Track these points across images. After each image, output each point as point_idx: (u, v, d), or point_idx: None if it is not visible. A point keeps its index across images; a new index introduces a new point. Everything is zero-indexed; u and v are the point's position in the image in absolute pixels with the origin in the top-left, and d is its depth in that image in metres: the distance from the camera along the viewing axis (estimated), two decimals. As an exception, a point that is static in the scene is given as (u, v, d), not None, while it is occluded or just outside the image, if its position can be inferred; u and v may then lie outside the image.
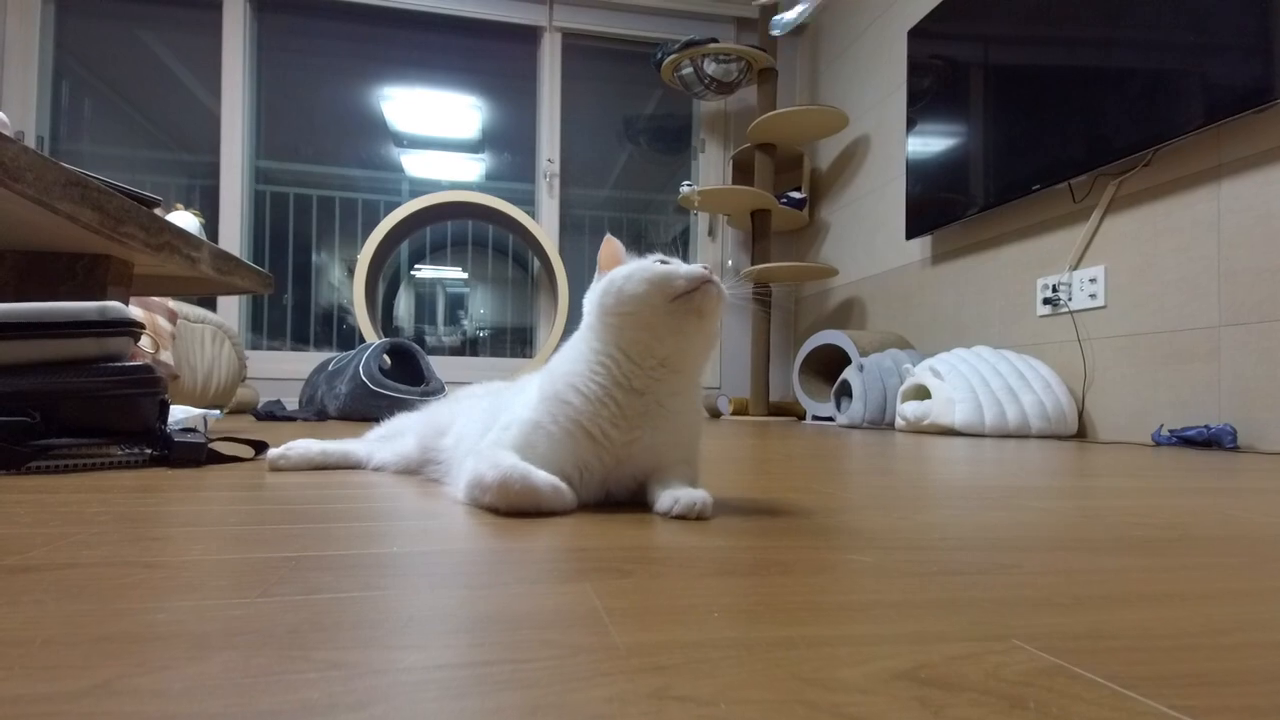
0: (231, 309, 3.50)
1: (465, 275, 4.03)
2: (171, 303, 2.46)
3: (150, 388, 0.89)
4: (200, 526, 0.49)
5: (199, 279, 1.67)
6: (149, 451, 0.89)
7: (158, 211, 1.57)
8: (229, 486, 0.70)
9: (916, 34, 2.74)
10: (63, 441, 0.84)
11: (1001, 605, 0.32)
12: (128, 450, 0.90)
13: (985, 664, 0.25)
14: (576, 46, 3.76)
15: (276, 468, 0.78)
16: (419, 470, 0.81)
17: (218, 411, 1.22)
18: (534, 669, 0.24)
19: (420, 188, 3.80)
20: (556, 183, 3.72)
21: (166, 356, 2.33)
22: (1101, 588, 0.36)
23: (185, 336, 2.53)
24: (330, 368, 2.70)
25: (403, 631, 0.27)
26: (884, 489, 0.76)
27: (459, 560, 0.40)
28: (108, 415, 0.88)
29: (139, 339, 0.98)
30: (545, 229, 3.52)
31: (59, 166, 1.03)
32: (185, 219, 1.58)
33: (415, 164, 3.95)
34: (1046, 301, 2.21)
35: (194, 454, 0.87)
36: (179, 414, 1.18)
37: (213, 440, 0.98)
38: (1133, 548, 0.47)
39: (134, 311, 2.22)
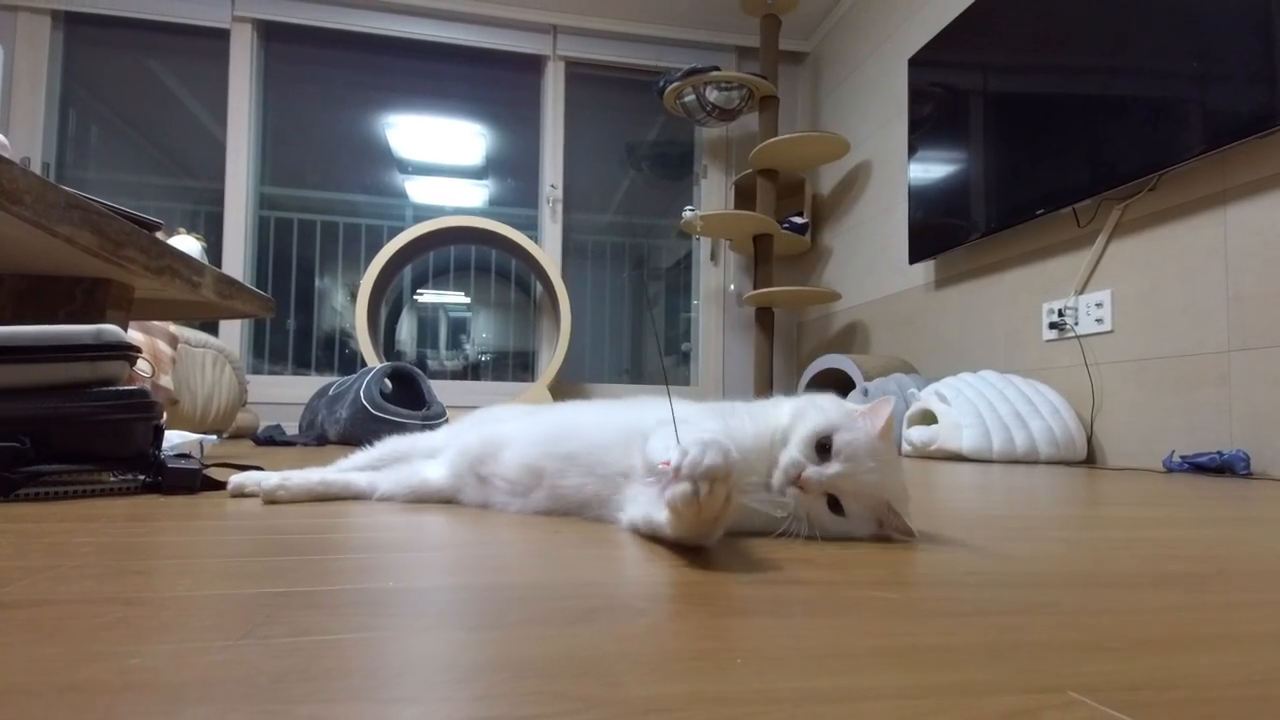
0: (234, 333, 3.49)
1: (468, 300, 4.03)
2: (173, 327, 2.45)
3: (144, 412, 0.87)
4: (188, 559, 0.47)
5: (200, 303, 1.66)
6: (142, 478, 0.87)
7: (160, 235, 1.56)
8: (222, 515, 0.68)
9: (917, 61, 2.76)
10: (53, 468, 0.82)
11: (1048, 650, 0.30)
12: (121, 477, 0.88)
13: (1044, 722, 0.22)
14: (580, 75, 3.80)
15: (274, 499, 0.75)
16: (453, 497, 0.76)
17: (214, 437, 1.20)
18: (543, 727, 0.21)
19: (424, 213, 3.81)
20: (560, 208, 3.74)
21: (166, 381, 2.31)
22: (1150, 629, 0.34)
23: (186, 361, 2.52)
24: (331, 392, 2.68)
25: (397, 681, 0.25)
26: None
27: (459, 598, 0.38)
28: (101, 441, 0.86)
29: (135, 363, 0.96)
30: (548, 254, 3.52)
31: (59, 189, 1.02)
32: (187, 243, 1.58)
33: (419, 190, 3.97)
34: (1052, 326, 2.19)
35: (188, 481, 0.85)
36: (175, 439, 1.16)
37: (208, 466, 0.96)
38: (1172, 583, 0.45)
39: (134, 336, 2.20)
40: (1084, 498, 1.02)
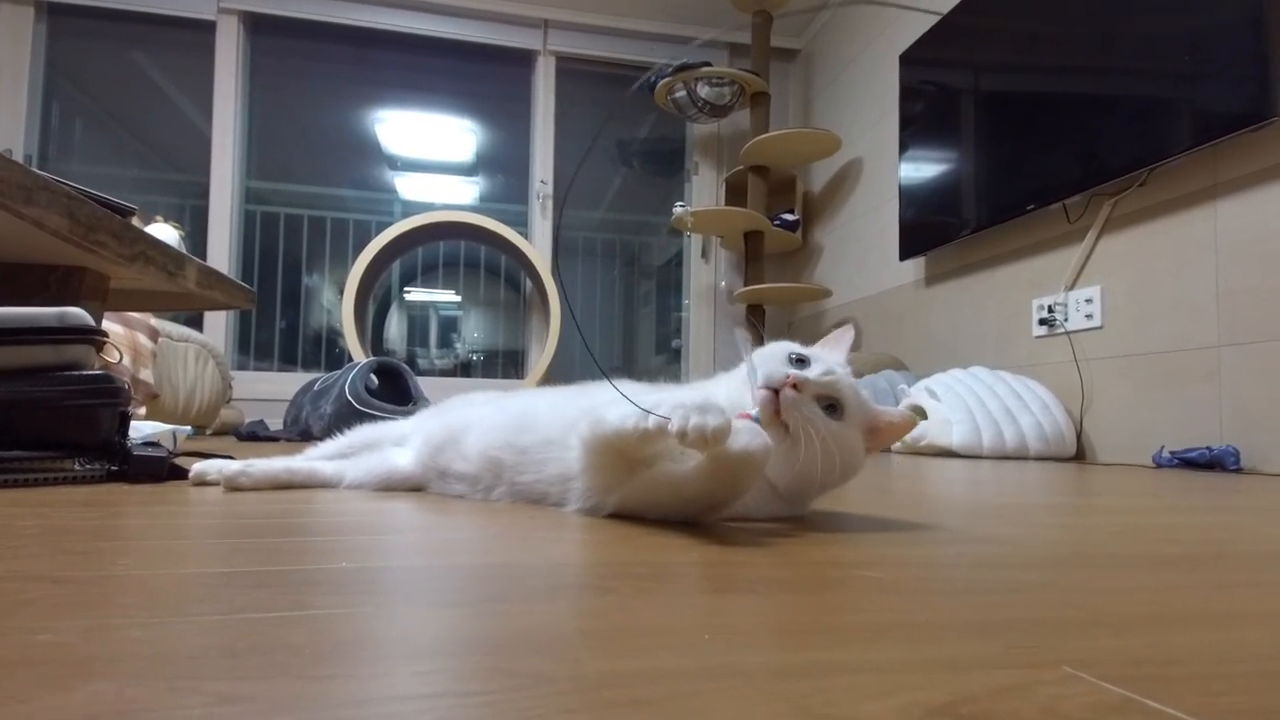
0: (219, 329, 3.45)
1: (459, 298, 4.00)
2: (153, 320, 2.41)
3: (110, 398, 0.84)
4: (133, 540, 0.44)
5: (179, 294, 1.62)
6: (109, 467, 0.84)
7: (137, 223, 1.53)
8: (182, 502, 0.65)
9: (908, 58, 2.75)
10: (14, 455, 0.79)
11: (1042, 627, 0.28)
12: (87, 465, 0.85)
13: (1039, 697, 0.20)
14: (570, 70, 3.77)
15: (236, 486, 0.72)
16: (423, 485, 0.74)
17: (188, 428, 1.17)
18: (480, 704, 0.19)
19: (413, 210, 3.77)
20: (549, 203, 3.71)
21: (147, 375, 2.27)
22: (1150, 607, 0.32)
23: (167, 355, 2.47)
24: (316, 387, 2.64)
25: (326, 658, 0.23)
26: (888, 506, 0.71)
27: (418, 577, 0.35)
28: (64, 427, 0.83)
29: (102, 347, 0.93)
30: (538, 250, 3.49)
31: (26, 170, 0.99)
32: (165, 231, 1.54)
33: (409, 186, 3.94)
34: (1042, 322, 2.18)
35: (154, 469, 0.82)
36: (147, 429, 1.13)
37: (178, 455, 0.93)
38: (1171, 564, 0.43)
39: (113, 329, 2.16)
40: (1075, 489, 1.01)
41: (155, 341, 2.35)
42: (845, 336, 0.59)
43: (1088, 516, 0.67)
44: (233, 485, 0.73)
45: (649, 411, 0.47)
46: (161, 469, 0.82)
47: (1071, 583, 0.37)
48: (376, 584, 0.33)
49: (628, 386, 0.57)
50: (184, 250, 1.62)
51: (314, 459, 0.82)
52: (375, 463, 0.76)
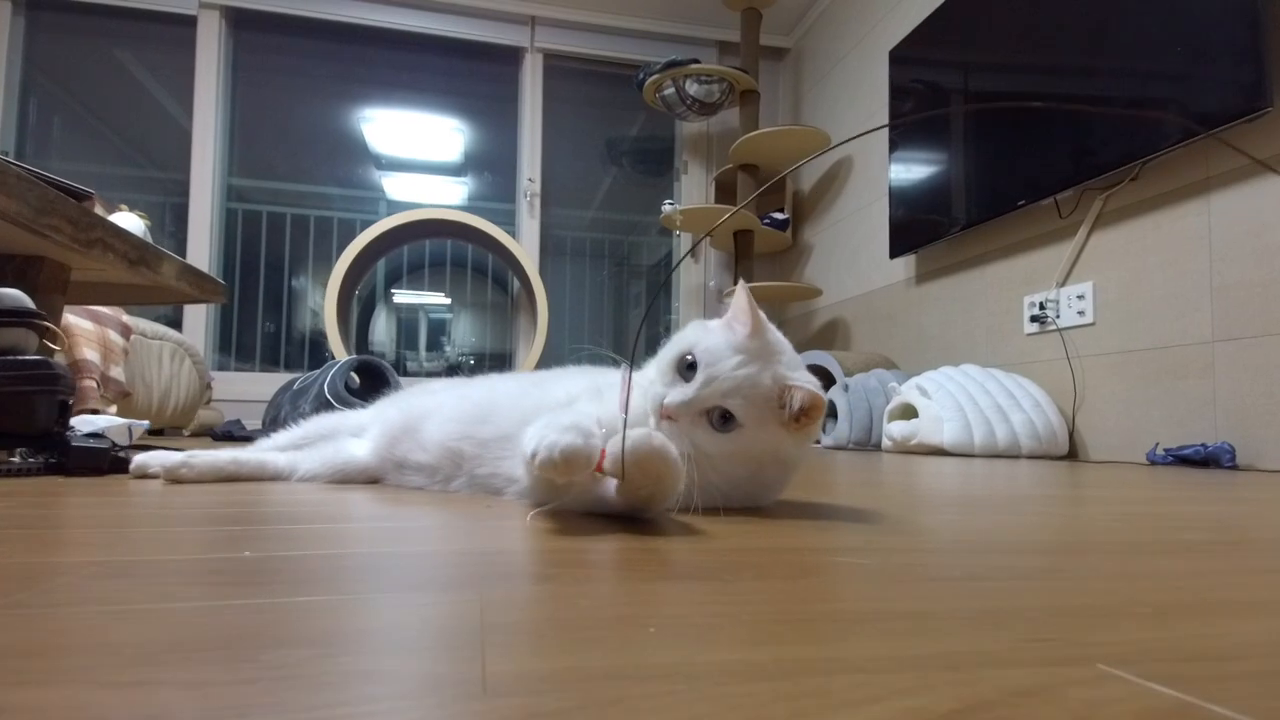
0: (199, 328, 3.38)
1: (448, 300, 3.94)
2: (126, 316, 2.34)
3: (47, 385, 0.78)
4: (28, 529, 0.39)
5: (144, 286, 1.56)
6: (48, 459, 0.78)
7: (102, 212, 1.47)
8: (114, 494, 0.60)
9: (898, 54, 2.72)
10: (-59, 446, 0.73)
11: (1059, 616, 0.23)
12: (27, 459, 0.79)
13: (1070, 702, 0.15)
14: (558, 68, 3.73)
15: (177, 478, 0.67)
16: (380, 476, 0.69)
17: (145, 422, 1.11)
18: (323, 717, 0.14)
19: (400, 209, 3.71)
20: (538, 202, 3.66)
21: (118, 372, 2.20)
22: (1181, 594, 0.27)
23: (141, 352, 2.40)
24: (295, 386, 2.58)
25: (156, 658, 0.18)
26: (874, 498, 0.67)
27: (326, 566, 0.30)
28: (0, 416, 0.77)
29: (45, 333, 0.87)
30: (526, 249, 3.44)
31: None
32: (129, 220, 1.48)
33: (396, 186, 3.88)
34: (1034, 319, 2.15)
35: (94, 461, 0.76)
36: (101, 422, 1.07)
37: (123, 449, 0.87)
38: (1191, 550, 0.38)
39: (82, 325, 2.09)
40: (1071, 483, 0.97)
41: (128, 338, 2.28)
42: (741, 299, 0.53)
43: (1088, 506, 0.63)
44: (173, 477, 0.67)
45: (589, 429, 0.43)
46: (103, 461, 0.76)
47: (1084, 568, 0.32)
48: (271, 573, 0.28)
49: (584, 375, 0.53)
50: (150, 240, 1.56)
51: (265, 450, 0.76)
52: (330, 453, 0.70)
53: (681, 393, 0.50)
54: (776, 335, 0.54)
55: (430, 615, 0.22)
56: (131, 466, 0.72)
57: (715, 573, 0.29)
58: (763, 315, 0.54)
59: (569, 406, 0.52)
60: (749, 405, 0.49)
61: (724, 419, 0.50)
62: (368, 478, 0.69)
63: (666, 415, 0.49)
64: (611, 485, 0.46)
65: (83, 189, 1.19)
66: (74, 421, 0.99)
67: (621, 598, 0.24)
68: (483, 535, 0.39)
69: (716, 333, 0.53)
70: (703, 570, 0.29)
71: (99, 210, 1.48)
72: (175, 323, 3.34)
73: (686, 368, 0.51)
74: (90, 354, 2.01)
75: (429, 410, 0.64)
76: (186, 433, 2.71)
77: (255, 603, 0.24)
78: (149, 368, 2.43)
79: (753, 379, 0.50)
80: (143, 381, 2.38)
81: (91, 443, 0.77)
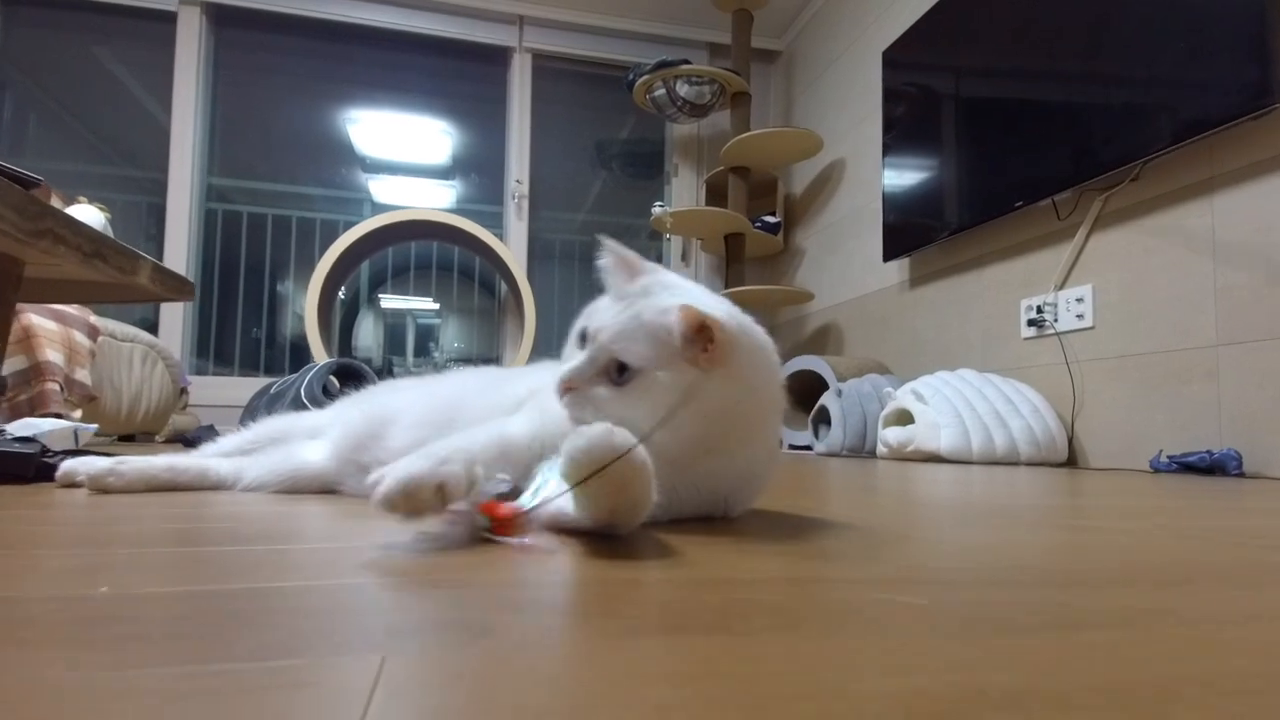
0: (176, 331, 3.29)
1: (436, 306, 3.87)
2: (93, 317, 2.25)
3: (-30, 384, 0.71)
4: None
5: (102, 283, 1.48)
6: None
7: (58, 203, 1.39)
8: (27, 506, 0.52)
9: (891, 53, 2.69)
10: None
11: (1222, 696, 0.17)
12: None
13: None
14: (547, 69, 3.68)
15: (103, 488, 0.59)
16: (336, 484, 0.62)
17: (94, 426, 1.04)
18: None
19: (385, 211, 3.65)
20: (525, 204, 3.60)
21: (84, 375, 2.12)
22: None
23: (109, 355, 2.32)
24: (272, 391, 2.49)
25: None
26: (891, 509, 0.60)
27: (207, 610, 0.24)
28: (-84, 419, 0.70)
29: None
30: (513, 251, 3.38)
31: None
32: (87, 213, 1.41)
33: (382, 189, 3.80)
34: (1031, 323, 2.10)
35: (18, 467, 0.69)
36: (45, 426, 0.99)
37: (57, 454, 0.80)
38: None
39: (47, 326, 2.00)
40: (1091, 491, 0.91)
41: (95, 340, 2.20)
42: (611, 254, 0.51)
43: (1136, 520, 0.57)
44: (99, 486, 0.60)
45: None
46: (28, 469, 0.69)
47: (1207, 607, 0.25)
48: (128, 620, 0.22)
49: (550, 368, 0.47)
50: (111, 234, 1.48)
51: (209, 455, 0.69)
52: (280, 459, 0.63)
53: (575, 359, 0.46)
54: (667, 275, 0.51)
55: (303, 701, 0.15)
56: (58, 474, 0.65)
57: (720, 620, 0.22)
58: (642, 260, 0.51)
59: (516, 410, 0.47)
60: (639, 345, 0.45)
61: (620, 370, 0.45)
62: (321, 485, 0.62)
63: (567, 388, 0.45)
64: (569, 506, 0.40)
65: (31, 176, 1.11)
66: (13, 425, 0.92)
67: (583, 668, 0.18)
68: (429, 563, 0.32)
69: (606, 298, 0.50)
70: (699, 616, 0.23)
71: (55, 201, 1.41)
72: (152, 325, 3.25)
73: (587, 342, 0.48)
74: (53, 355, 1.93)
75: (395, 412, 0.57)
76: (159, 439, 2.62)
77: (108, 659, 0.17)
78: (118, 371, 2.34)
79: (635, 317, 0.46)
80: (111, 385, 2.30)
81: (16, 447, 0.70)
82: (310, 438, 0.66)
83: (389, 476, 0.37)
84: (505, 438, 0.45)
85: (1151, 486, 1.10)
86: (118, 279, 1.40)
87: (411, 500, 0.36)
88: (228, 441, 0.72)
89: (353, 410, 0.64)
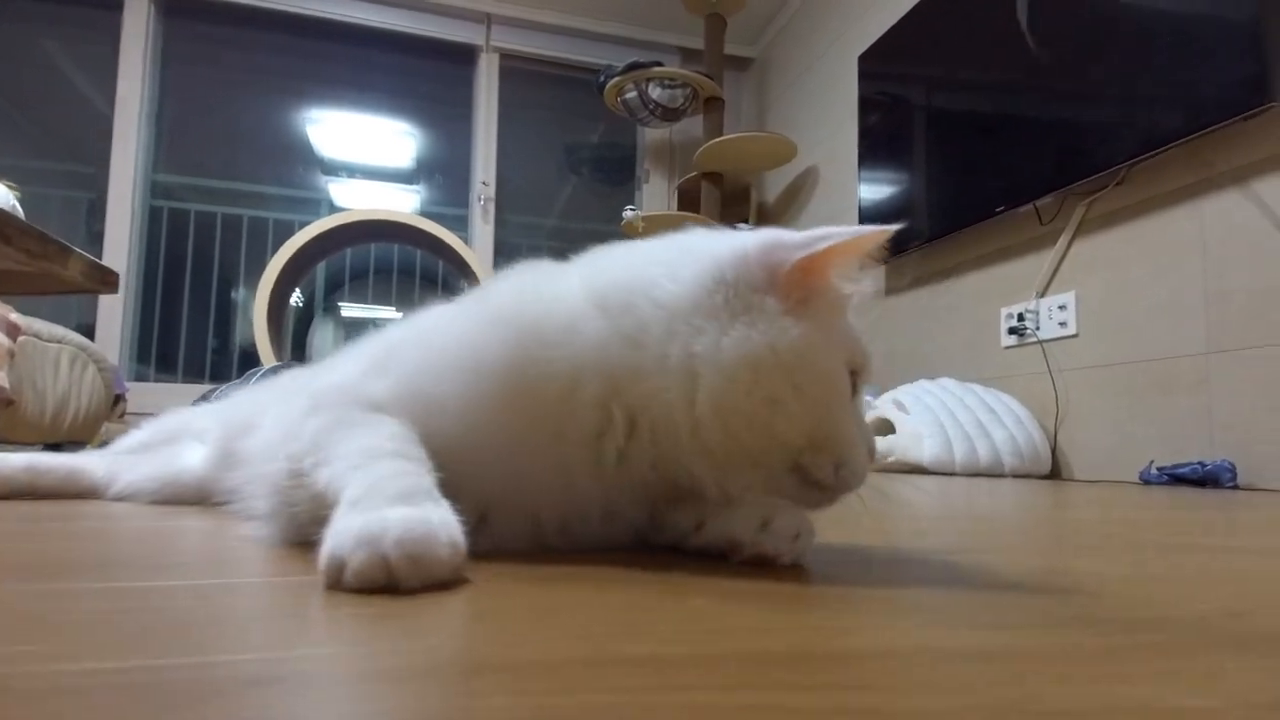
0: (113, 334, 3.08)
1: (400, 315, 3.71)
2: (16, 315, 2.06)
3: None
4: None
5: (13, 272, 1.33)
6: None
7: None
8: None
9: (868, 58, 2.65)
10: None
11: None
12: None
13: None
14: (516, 70, 3.58)
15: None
16: (211, 494, 0.50)
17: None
18: None
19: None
20: (492, 207, 3.47)
21: (1, 377, 1.93)
22: None
23: (32, 356, 2.13)
24: (212, 398, 2.33)
25: None
26: (920, 530, 0.50)
27: None
28: None
29: None
30: (479, 255, 3.25)
31: None
32: (-7, 191, 1.26)
33: (343, 193, 3.65)
34: (1012, 331, 2.05)
35: None
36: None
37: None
38: None
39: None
40: (1112, 503, 0.82)
41: (15, 339, 2.01)
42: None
43: (1216, 538, 0.47)
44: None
45: None
46: None
47: None
48: None
49: None
50: (21, 214, 1.33)
51: (92, 456, 0.57)
52: (161, 462, 0.51)
53: None
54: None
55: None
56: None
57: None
58: None
59: None
60: None
61: None
62: (202, 497, 0.49)
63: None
64: None
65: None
66: None
67: None
68: (296, 625, 0.21)
69: None
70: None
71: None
72: (89, 329, 3.04)
73: None
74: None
75: (280, 396, 0.45)
76: (90, 448, 2.42)
77: None
78: (42, 373, 2.16)
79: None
80: (33, 389, 2.11)
81: None
82: (198, 437, 0.54)
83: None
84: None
85: (1161, 500, 1.02)
86: (28, 265, 1.25)
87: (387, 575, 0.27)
88: (128, 440, 0.59)
89: (240, 403, 0.52)
